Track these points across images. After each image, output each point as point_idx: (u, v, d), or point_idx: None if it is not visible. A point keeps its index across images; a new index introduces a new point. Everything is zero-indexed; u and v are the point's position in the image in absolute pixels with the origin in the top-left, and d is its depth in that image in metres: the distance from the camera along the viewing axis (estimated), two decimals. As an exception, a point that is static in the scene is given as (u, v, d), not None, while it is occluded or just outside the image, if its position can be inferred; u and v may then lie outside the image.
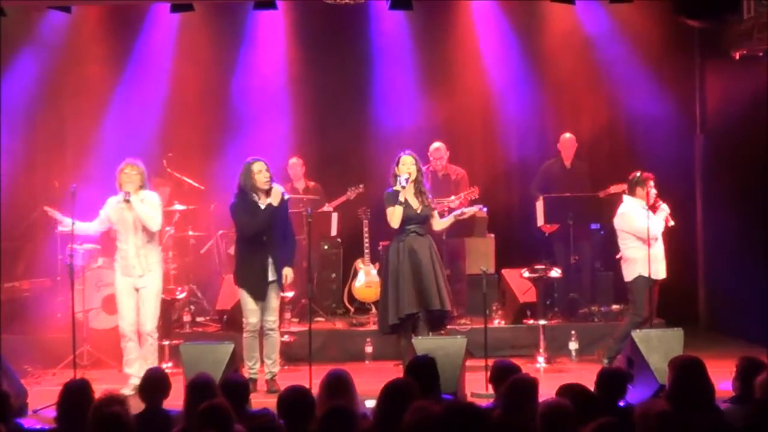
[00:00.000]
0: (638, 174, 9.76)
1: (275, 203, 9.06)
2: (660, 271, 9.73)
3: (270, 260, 9.12)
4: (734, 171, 11.65)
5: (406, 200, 9.20)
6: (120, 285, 9.32)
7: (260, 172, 9.09)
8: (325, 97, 12.41)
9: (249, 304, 9.23)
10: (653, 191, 9.69)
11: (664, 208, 9.73)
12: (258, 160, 9.15)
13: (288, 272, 9.21)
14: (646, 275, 9.60)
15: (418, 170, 9.31)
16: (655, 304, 9.86)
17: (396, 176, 9.27)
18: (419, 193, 9.27)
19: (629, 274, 9.75)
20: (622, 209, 9.78)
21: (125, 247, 9.28)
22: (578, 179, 11.54)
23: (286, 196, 9.25)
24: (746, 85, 11.16)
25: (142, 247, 9.27)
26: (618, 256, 9.95)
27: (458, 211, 9.67)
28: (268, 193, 9.13)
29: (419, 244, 9.21)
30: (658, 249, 9.72)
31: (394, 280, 9.20)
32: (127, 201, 9.11)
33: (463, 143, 12.23)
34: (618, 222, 9.79)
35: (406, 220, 9.20)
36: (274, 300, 9.25)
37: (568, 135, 11.70)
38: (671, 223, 9.76)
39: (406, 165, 9.25)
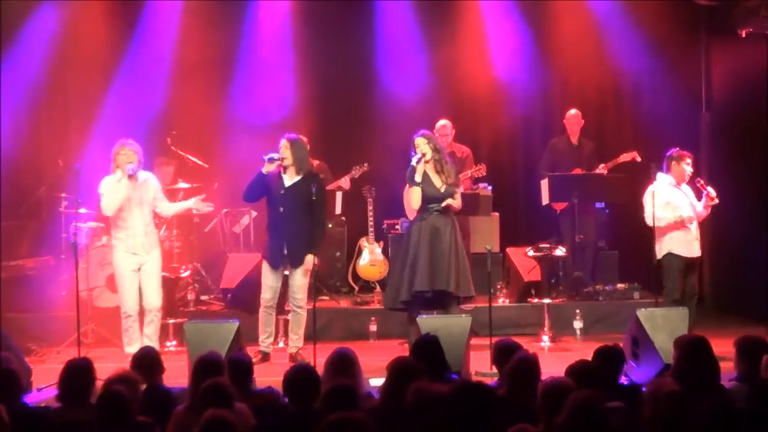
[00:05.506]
0: (675, 150, 9.53)
1: (264, 171, 9.12)
2: (694, 250, 9.53)
3: (285, 236, 9.16)
4: (740, 149, 11.61)
5: (429, 179, 9.20)
6: (124, 264, 9.27)
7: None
8: (330, 73, 12.35)
9: (267, 279, 9.30)
10: (689, 169, 9.51)
11: (710, 192, 9.45)
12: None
13: (308, 258, 9.19)
14: (677, 253, 9.43)
15: (435, 149, 9.30)
16: (695, 284, 9.67)
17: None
18: (441, 172, 9.26)
19: (659, 250, 9.47)
20: (654, 188, 9.40)
21: (132, 225, 9.26)
22: (585, 156, 11.47)
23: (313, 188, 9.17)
24: (752, 62, 11.14)
25: (149, 224, 9.30)
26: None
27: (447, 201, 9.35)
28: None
29: (442, 223, 9.20)
30: (693, 227, 9.51)
31: (412, 257, 9.19)
32: (131, 176, 9.09)
33: (468, 121, 12.16)
34: (649, 200, 9.39)
35: (429, 199, 9.21)
36: (299, 278, 9.26)
37: (573, 111, 11.60)
38: (716, 201, 9.52)
39: (420, 147, 9.28)
